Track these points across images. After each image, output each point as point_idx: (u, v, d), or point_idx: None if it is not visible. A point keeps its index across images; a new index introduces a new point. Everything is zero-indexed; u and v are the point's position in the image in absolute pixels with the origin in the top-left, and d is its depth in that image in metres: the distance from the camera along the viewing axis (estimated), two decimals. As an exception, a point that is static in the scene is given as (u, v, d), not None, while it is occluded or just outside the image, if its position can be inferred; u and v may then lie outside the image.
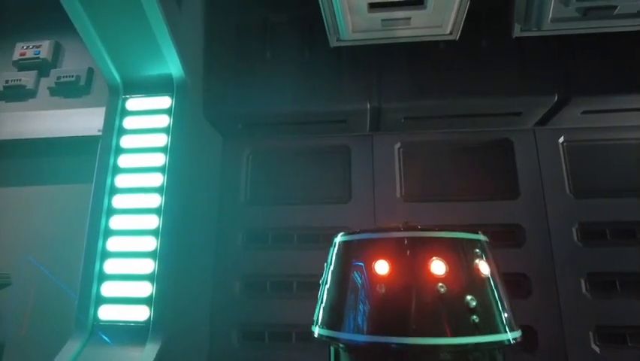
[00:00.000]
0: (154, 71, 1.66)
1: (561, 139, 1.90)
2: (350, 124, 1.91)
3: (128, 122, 1.67)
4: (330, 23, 1.56)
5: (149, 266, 1.48)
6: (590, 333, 1.67)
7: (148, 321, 1.43)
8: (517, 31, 1.58)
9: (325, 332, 0.83)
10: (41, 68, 2.21)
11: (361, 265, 0.81)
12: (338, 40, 1.63)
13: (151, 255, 1.49)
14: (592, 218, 1.79)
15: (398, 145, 1.97)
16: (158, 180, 1.56)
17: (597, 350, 1.65)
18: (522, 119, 1.84)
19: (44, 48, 2.20)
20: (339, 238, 0.92)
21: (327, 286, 0.88)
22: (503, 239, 1.80)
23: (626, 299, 1.69)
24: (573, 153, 1.90)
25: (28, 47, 2.21)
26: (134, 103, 1.69)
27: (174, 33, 1.54)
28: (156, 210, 1.54)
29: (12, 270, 1.75)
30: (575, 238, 1.78)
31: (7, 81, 2.17)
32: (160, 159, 1.59)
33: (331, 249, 0.94)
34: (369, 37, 1.62)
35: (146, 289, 1.46)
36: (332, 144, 2.01)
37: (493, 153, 1.95)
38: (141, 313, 1.44)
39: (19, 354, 1.68)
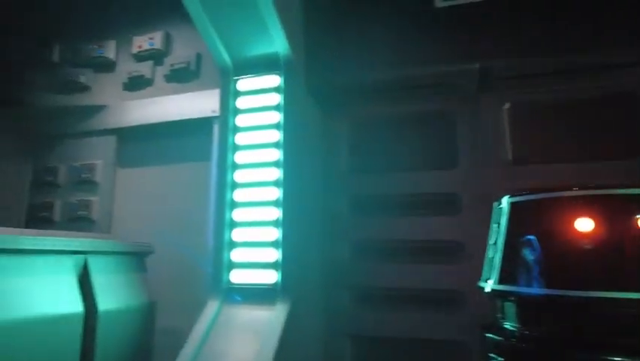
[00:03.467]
0: (261, 50, 1.74)
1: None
2: (455, 86, 1.85)
3: (241, 102, 1.78)
4: (437, -17, 1.51)
5: (273, 234, 1.60)
6: None
7: (276, 284, 1.57)
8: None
9: (506, 287, 0.85)
10: (156, 57, 2.42)
11: (562, 225, 0.81)
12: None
13: (273, 223, 1.61)
14: None
15: (507, 106, 1.87)
16: (274, 155, 1.67)
17: None
18: (647, 68, 1.65)
19: (157, 39, 2.40)
20: (516, 199, 0.92)
21: (504, 246, 0.90)
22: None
23: None
24: None
25: (143, 39, 2.42)
26: (244, 83, 1.80)
27: (278, 9, 1.59)
28: (274, 183, 1.65)
29: (151, 240, 1.99)
30: None
31: (129, 73, 2.43)
32: (274, 136, 1.69)
33: (503, 209, 0.94)
34: (476, -6, 1.55)
35: (272, 254, 1.59)
36: (435, 109, 1.97)
37: (615, 108, 1.78)
38: (270, 277, 1.58)
39: (168, 312, 1.94)
